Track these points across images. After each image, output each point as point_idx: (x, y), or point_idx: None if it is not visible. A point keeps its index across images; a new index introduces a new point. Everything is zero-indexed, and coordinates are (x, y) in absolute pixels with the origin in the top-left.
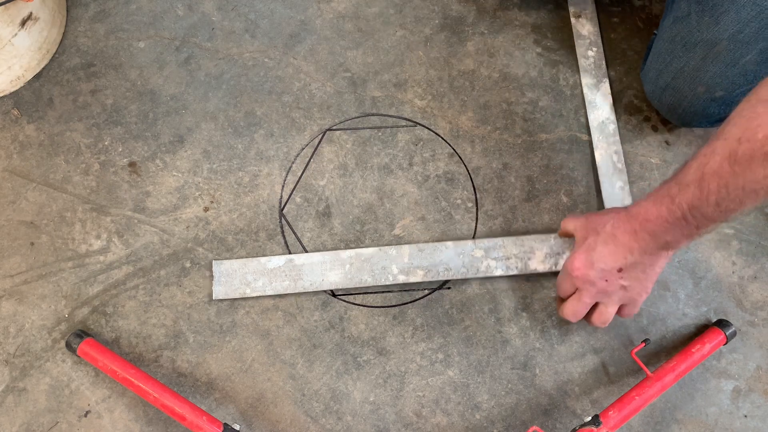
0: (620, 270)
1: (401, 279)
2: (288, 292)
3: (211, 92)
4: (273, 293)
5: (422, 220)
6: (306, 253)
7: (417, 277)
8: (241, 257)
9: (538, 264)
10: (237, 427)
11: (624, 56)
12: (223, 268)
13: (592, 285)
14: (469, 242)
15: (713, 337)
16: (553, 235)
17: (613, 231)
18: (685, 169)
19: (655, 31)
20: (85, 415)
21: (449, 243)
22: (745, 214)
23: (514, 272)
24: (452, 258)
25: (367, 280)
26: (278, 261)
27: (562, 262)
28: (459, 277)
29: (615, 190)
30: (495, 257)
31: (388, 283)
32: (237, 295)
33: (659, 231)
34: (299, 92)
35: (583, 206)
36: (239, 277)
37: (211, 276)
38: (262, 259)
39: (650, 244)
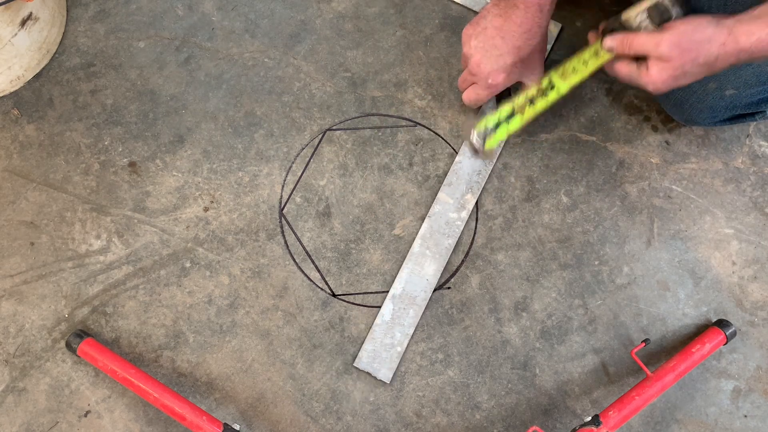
0: None
1: (465, 216)
2: (419, 315)
3: (211, 92)
4: (413, 327)
5: (422, 220)
6: (396, 278)
7: (471, 203)
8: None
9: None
10: (237, 427)
11: None
12: (365, 359)
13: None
14: (465, 144)
15: (713, 337)
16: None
17: (716, 61)
18: None
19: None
20: (85, 415)
21: (457, 158)
22: None
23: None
24: (472, 163)
25: (448, 242)
26: (388, 308)
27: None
28: (492, 165)
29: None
30: (480, 133)
31: (461, 229)
32: (397, 360)
33: (762, 56)
34: (299, 92)
35: (583, 206)
36: (382, 347)
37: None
38: (377, 324)
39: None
